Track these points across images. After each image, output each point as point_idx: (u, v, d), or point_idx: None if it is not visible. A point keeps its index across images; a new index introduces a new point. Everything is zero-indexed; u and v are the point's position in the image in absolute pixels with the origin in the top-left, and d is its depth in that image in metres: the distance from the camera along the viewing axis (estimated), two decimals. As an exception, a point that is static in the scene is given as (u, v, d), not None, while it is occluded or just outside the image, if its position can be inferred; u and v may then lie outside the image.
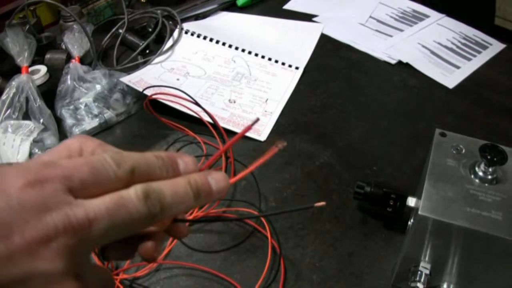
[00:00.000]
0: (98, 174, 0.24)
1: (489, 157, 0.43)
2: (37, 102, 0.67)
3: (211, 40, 0.86)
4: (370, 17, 0.96)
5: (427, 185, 0.44)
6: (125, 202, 0.24)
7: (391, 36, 0.90)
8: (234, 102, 0.74)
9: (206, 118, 0.65)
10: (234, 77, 0.79)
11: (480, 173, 0.45)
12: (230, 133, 0.66)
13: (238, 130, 0.67)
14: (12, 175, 0.23)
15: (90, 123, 0.68)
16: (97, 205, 0.24)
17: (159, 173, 0.27)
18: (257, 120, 0.32)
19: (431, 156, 0.47)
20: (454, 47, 0.87)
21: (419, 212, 0.42)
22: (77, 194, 0.24)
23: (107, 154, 0.26)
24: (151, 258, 0.28)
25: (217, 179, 0.29)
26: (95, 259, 0.50)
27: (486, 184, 0.44)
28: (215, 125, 0.62)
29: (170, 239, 0.54)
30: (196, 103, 0.63)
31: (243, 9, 0.98)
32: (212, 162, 0.31)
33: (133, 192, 0.25)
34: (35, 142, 0.63)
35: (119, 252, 0.29)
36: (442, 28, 0.92)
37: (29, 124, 0.65)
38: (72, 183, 0.24)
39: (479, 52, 0.86)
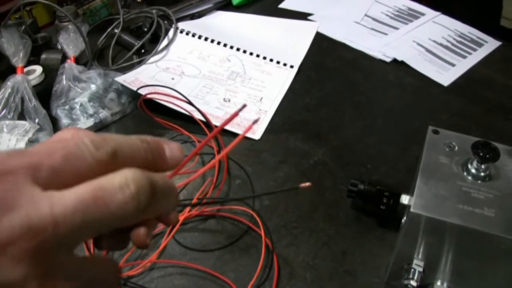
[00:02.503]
0: (72, 158, 0.22)
1: (481, 154, 0.43)
2: (33, 102, 0.67)
3: (206, 39, 0.86)
4: (366, 15, 0.96)
5: (419, 182, 0.45)
6: (105, 194, 0.21)
7: (386, 34, 0.90)
8: (229, 101, 0.74)
9: (200, 117, 0.65)
10: (229, 76, 0.79)
11: (473, 170, 0.45)
12: (225, 132, 0.66)
13: (232, 128, 0.67)
14: None
15: (86, 123, 0.68)
16: (68, 198, 0.20)
17: (144, 156, 0.25)
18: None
19: (423, 154, 0.47)
20: (449, 44, 0.87)
21: (411, 210, 0.42)
22: (48, 184, 0.21)
23: (85, 136, 0.23)
24: (143, 245, 0.26)
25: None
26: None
27: (479, 181, 0.44)
28: (209, 124, 0.62)
29: (164, 237, 0.54)
30: (189, 102, 0.63)
31: (238, 8, 0.98)
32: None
33: (118, 181, 0.21)
34: (31, 142, 0.64)
35: (113, 240, 0.26)
36: (437, 26, 0.92)
37: (24, 124, 0.65)
38: (41, 173, 0.21)
39: (475, 50, 0.86)
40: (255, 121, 0.29)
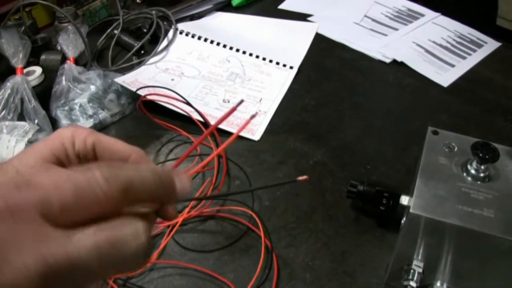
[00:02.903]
0: (83, 194, 0.21)
1: (481, 154, 0.43)
2: (32, 103, 0.67)
3: (205, 40, 0.86)
4: (365, 16, 0.96)
5: (419, 183, 0.44)
6: (119, 242, 0.21)
7: (386, 35, 0.90)
8: (228, 101, 0.74)
9: (199, 118, 0.65)
10: (228, 77, 0.79)
11: (472, 171, 0.45)
12: (224, 132, 0.66)
13: (231, 129, 0.67)
14: None
15: (85, 124, 0.68)
16: (84, 242, 0.20)
17: (154, 192, 0.24)
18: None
19: (423, 154, 0.47)
20: (449, 45, 0.87)
21: (411, 210, 0.42)
22: (57, 221, 0.20)
23: (96, 167, 0.22)
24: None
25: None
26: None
27: (478, 182, 0.44)
28: (208, 124, 0.62)
29: (164, 238, 0.54)
30: (188, 103, 0.63)
31: (238, 9, 0.98)
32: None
33: (129, 231, 0.22)
34: (30, 142, 0.63)
35: None
36: (437, 27, 0.92)
37: (24, 125, 0.65)
38: (51, 209, 0.20)
39: (474, 51, 0.86)
40: (253, 116, 0.29)
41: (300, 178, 0.29)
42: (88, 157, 0.29)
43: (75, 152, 0.29)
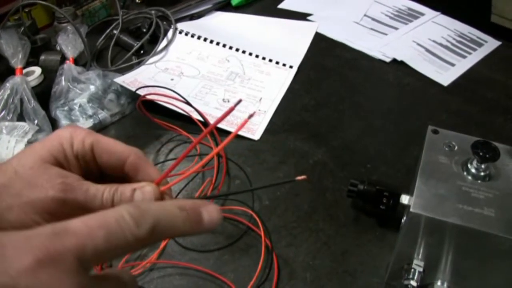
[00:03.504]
0: (114, 238, 0.21)
1: (481, 153, 0.43)
2: (32, 103, 0.67)
3: (205, 39, 0.86)
4: (365, 15, 0.96)
5: (419, 182, 0.44)
6: None
7: (386, 34, 0.90)
8: (228, 101, 0.74)
9: (198, 117, 0.65)
10: (228, 77, 0.79)
11: (473, 170, 0.45)
12: (223, 132, 0.66)
13: (231, 129, 0.67)
14: (15, 250, 0.19)
15: (85, 124, 0.68)
16: None
17: (182, 228, 0.24)
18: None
19: (423, 154, 0.47)
20: (449, 44, 0.87)
21: (411, 210, 0.42)
22: (89, 266, 0.21)
23: (124, 209, 0.22)
24: None
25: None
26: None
27: (479, 181, 0.44)
28: (208, 124, 0.62)
29: (164, 239, 0.54)
30: (187, 103, 0.63)
31: (237, 9, 0.98)
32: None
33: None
34: (30, 143, 0.63)
35: None
36: (437, 26, 0.92)
37: (23, 125, 0.65)
38: (85, 256, 0.20)
39: (474, 50, 0.86)
40: (251, 115, 0.28)
41: (299, 177, 0.29)
42: (86, 157, 0.29)
43: (74, 153, 0.29)
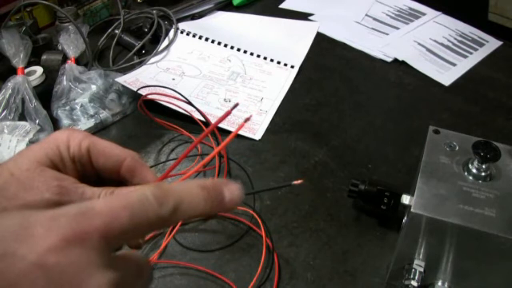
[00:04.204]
0: (137, 218, 0.22)
1: (482, 153, 0.43)
2: (33, 103, 0.67)
3: (206, 39, 0.86)
4: (366, 15, 0.96)
5: (420, 182, 0.44)
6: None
7: (387, 34, 0.90)
8: (230, 101, 0.74)
9: (200, 117, 0.65)
10: (229, 76, 0.79)
11: (474, 170, 0.45)
12: (225, 132, 0.66)
13: (232, 129, 0.67)
14: (43, 229, 0.19)
15: (86, 124, 0.68)
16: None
17: (203, 208, 0.24)
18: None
19: (424, 154, 0.47)
20: (450, 44, 0.87)
21: (412, 210, 0.42)
22: (114, 245, 0.21)
23: (147, 189, 0.23)
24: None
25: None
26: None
27: (480, 181, 0.44)
28: (209, 124, 0.62)
29: (165, 237, 0.54)
30: (189, 103, 0.63)
31: (239, 8, 0.98)
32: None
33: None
34: (31, 142, 0.64)
35: None
36: (438, 26, 0.92)
37: (25, 125, 0.65)
38: (111, 235, 0.21)
39: (476, 50, 0.86)
40: (247, 119, 0.29)
41: (296, 182, 0.29)
42: (82, 160, 0.29)
43: (70, 156, 0.29)
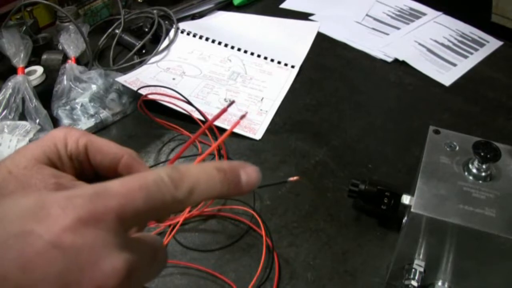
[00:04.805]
0: (153, 200, 0.21)
1: (482, 154, 0.43)
2: (33, 103, 0.67)
3: (207, 39, 0.86)
4: (367, 15, 0.96)
5: (420, 182, 0.44)
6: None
7: (387, 34, 0.90)
8: (230, 101, 0.74)
9: (200, 117, 0.65)
10: (230, 76, 0.79)
11: (474, 170, 0.45)
12: (225, 131, 0.66)
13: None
14: (60, 209, 0.19)
15: (86, 123, 0.68)
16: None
17: (219, 190, 0.24)
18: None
19: (424, 154, 0.47)
20: (450, 44, 0.87)
21: (412, 210, 0.42)
22: (129, 227, 0.21)
23: (163, 171, 0.22)
24: None
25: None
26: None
27: (480, 181, 0.44)
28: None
29: (165, 237, 0.54)
30: (189, 103, 0.63)
31: (239, 8, 0.98)
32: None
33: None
34: (31, 142, 0.64)
35: None
36: (439, 26, 0.92)
37: (25, 124, 0.65)
38: (127, 216, 0.21)
39: (476, 50, 0.86)
40: (243, 116, 0.29)
41: (291, 179, 0.29)
42: (80, 158, 0.29)
43: (68, 153, 0.29)
